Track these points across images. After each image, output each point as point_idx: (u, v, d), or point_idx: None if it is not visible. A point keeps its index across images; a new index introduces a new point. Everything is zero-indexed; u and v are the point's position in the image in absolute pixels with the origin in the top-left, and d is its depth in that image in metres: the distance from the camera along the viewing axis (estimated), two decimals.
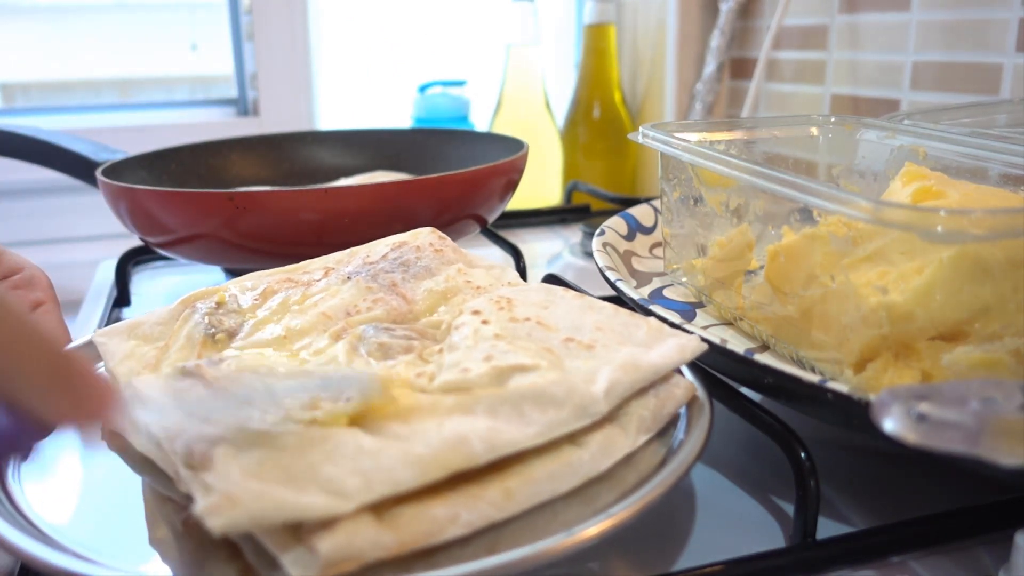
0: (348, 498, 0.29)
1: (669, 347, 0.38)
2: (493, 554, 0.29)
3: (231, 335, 0.41)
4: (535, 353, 0.36)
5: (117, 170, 0.70)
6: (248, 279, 0.46)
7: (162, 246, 0.65)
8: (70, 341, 0.47)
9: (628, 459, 0.35)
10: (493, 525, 0.31)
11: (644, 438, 0.36)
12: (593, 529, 0.30)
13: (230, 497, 0.28)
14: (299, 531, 0.29)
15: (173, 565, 0.32)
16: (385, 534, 0.29)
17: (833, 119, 0.58)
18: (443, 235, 0.51)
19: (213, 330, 0.41)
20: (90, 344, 0.47)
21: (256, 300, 0.44)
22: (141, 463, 0.38)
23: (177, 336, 0.42)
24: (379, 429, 0.32)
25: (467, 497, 0.31)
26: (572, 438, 0.34)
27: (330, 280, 0.45)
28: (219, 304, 0.43)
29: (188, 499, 0.30)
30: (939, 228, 0.34)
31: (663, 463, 0.35)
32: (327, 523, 0.28)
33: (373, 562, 0.29)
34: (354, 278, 0.45)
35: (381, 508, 0.30)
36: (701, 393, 0.40)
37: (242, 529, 0.28)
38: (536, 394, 0.34)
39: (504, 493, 0.32)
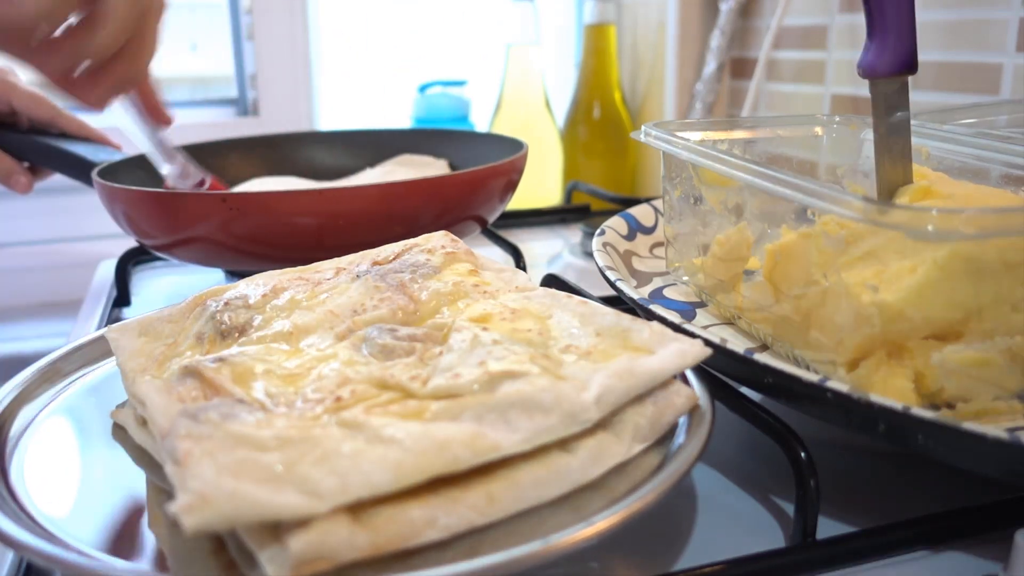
0: (323, 499, 0.28)
1: (669, 352, 0.37)
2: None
3: (241, 332, 0.41)
4: (530, 359, 0.36)
5: (114, 171, 0.70)
6: (260, 277, 0.46)
7: (158, 248, 0.64)
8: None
9: (622, 467, 0.35)
10: (475, 531, 0.31)
11: (639, 447, 0.35)
12: (571, 537, 0.29)
13: (203, 496, 0.27)
14: (278, 529, 0.29)
15: (167, 557, 0.32)
16: (359, 535, 0.29)
17: (838, 118, 0.58)
18: (456, 238, 0.50)
19: (223, 327, 0.41)
20: (102, 339, 0.47)
21: (265, 296, 0.44)
22: (141, 455, 0.39)
23: (187, 333, 0.42)
24: (362, 431, 0.32)
25: (447, 500, 0.30)
26: (563, 445, 0.34)
27: (339, 279, 0.45)
28: (231, 301, 0.43)
29: None
30: (930, 227, 0.34)
31: (656, 472, 0.34)
32: (302, 522, 0.28)
33: (348, 563, 0.29)
34: (363, 277, 0.45)
35: (358, 509, 0.29)
36: (703, 401, 0.39)
37: (215, 528, 0.28)
38: (523, 400, 0.33)
39: (487, 498, 0.31)
